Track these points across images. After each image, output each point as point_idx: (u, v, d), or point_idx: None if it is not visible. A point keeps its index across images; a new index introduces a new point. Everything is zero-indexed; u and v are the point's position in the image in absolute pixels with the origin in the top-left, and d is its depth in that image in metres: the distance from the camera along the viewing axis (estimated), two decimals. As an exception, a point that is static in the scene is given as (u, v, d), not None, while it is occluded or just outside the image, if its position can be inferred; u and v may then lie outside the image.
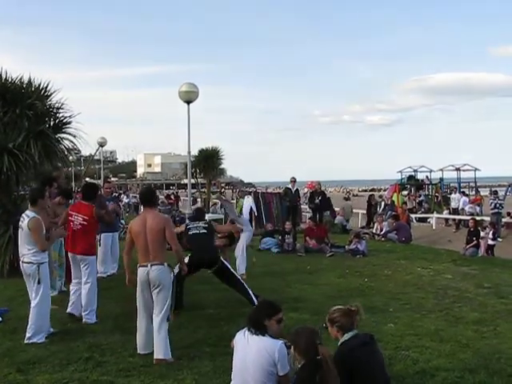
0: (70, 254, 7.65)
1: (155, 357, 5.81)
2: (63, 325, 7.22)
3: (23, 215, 6.71)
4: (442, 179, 31.08)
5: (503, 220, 20.99)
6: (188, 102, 14.58)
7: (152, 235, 5.91)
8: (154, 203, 6.33)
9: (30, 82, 11.10)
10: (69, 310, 7.51)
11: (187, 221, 9.91)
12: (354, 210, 26.23)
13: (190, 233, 8.48)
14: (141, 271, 5.94)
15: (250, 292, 8.17)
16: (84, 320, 7.33)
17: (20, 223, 6.68)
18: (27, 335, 6.48)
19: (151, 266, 5.88)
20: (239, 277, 8.66)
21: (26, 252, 6.59)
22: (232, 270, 8.60)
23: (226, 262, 8.49)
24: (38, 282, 6.54)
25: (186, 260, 7.35)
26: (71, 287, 7.66)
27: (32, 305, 6.59)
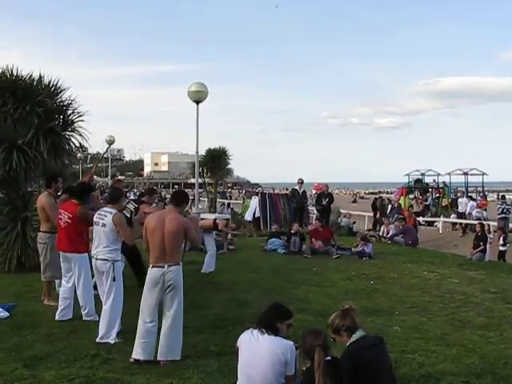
0: (60, 253, 7.51)
1: (162, 358, 5.74)
2: (69, 321, 7.24)
3: (103, 212, 6.66)
4: (444, 183, 30.95)
5: (510, 225, 20.88)
6: (197, 102, 14.57)
7: (170, 238, 5.76)
8: (180, 205, 6.15)
9: (40, 79, 11.15)
10: (58, 317, 7.28)
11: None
12: (360, 213, 26.28)
13: None
14: (155, 272, 5.79)
15: None
16: (84, 318, 7.26)
17: (99, 220, 6.61)
18: (101, 334, 6.37)
19: (168, 266, 5.75)
20: None
21: (102, 249, 6.55)
22: None
23: None
24: (114, 279, 6.49)
25: None
26: (60, 290, 7.53)
27: (106, 304, 6.51)
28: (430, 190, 30.78)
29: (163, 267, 5.75)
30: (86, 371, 5.41)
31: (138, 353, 5.75)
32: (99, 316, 6.82)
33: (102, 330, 6.40)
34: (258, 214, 20.37)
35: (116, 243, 6.65)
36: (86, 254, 7.45)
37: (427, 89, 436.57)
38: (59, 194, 8.59)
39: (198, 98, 14.54)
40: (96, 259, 6.60)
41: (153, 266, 5.83)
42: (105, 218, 6.59)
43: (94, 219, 6.71)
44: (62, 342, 6.39)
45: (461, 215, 24.63)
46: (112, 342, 6.30)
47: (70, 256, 7.32)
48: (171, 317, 5.81)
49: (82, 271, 7.30)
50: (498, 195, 45.83)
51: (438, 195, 29.09)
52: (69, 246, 7.32)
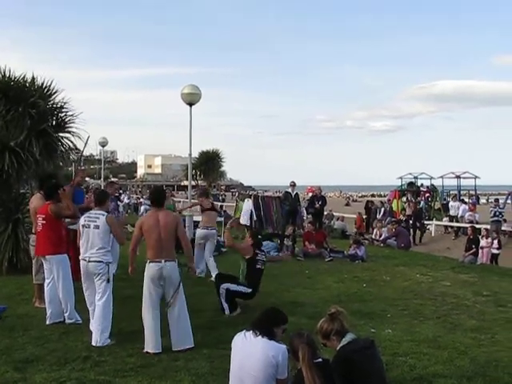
0: (41, 258, 7.47)
1: (177, 348, 6.12)
2: (61, 324, 7.19)
3: (93, 215, 6.67)
4: (434, 186, 31.00)
5: (503, 228, 20.96)
6: (190, 104, 14.56)
7: (166, 232, 6.15)
8: (163, 203, 6.52)
9: (32, 80, 11.12)
10: (48, 321, 7.23)
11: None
12: (353, 216, 26.30)
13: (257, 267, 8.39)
14: (153, 267, 6.12)
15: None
16: (67, 321, 7.20)
17: (89, 223, 6.59)
18: (95, 338, 6.36)
19: (165, 261, 6.11)
20: None
21: (95, 251, 6.53)
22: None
23: None
24: (108, 281, 6.55)
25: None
26: (45, 294, 7.41)
27: (99, 305, 6.50)
28: (422, 193, 30.84)
29: (160, 262, 6.12)
30: (78, 373, 5.40)
31: (147, 345, 6.10)
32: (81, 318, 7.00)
33: (96, 333, 6.40)
34: (255, 217, 20.28)
35: (108, 245, 6.70)
36: (66, 254, 7.40)
37: (422, 92, 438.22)
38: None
39: (191, 100, 14.53)
40: (88, 262, 6.55)
41: (150, 262, 6.16)
42: (97, 220, 6.59)
43: (83, 222, 6.67)
44: (53, 344, 6.37)
45: (452, 218, 24.73)
46: (106, 343, 6.33)
47: (49, 258, 7.25)
48: (176, 309, 6.21)
49: (61, 272, 7.19)
50: (488, 199, 46.04)
51: (427, 195, 29.17)
52: (47, 248, 7.25)
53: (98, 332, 6.37)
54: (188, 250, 6.63)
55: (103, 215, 6.62)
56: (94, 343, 6.34)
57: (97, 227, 6.56)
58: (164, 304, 6.33)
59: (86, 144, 10.76)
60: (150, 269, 6.14)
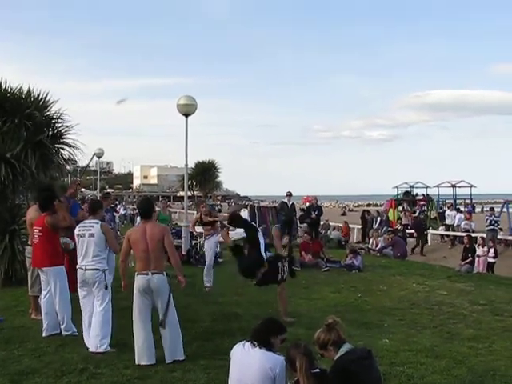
0: (37, 269, 7.50)
1: (168, 360, 6.05)
2: (57, 336, 7.16)
3: (87, 224, 6.77)
4: (429, 196, 31.10)
5: (499, 237, 21.01)
6: (186, 115, 14.61)
7: (153, 244, 6.08)
8: (151, 215, 6.47)
9: (29, 92, 11.12)
10: (44, 334, 7.20)
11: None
12: (349, 226, 26.30)
13: None
14: (141, 279, 6.09)
15: None
16: (63, 333, 7.18)
17: (84, 232, 6.68)
18: (95, 344, 6.40)
19: (152, 274, 6.05)
20: None
21: (92, 259, 6.62)
22: None
23: None
24: (105, 288, 6.63)
25: None
26: (42, 306, 7.40)
27: (99, 312, 6.55)
28: (417, 202, 30.95)
29: (147, 274, 6.07)
30: (74, 386, 5.37)
31: (140, 358, 6.05)
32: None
33: (95, 339, 6.42)
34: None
35: (104, 252, 6.79)
36: (63, 266, 7.41)
37: (417, 101, 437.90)
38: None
39: (187, 111, 14.58)
40: (85, 270, 6.62)
41: (138, 274, 6.13)
42: (92, 228, 6.69)
43: (78, 232, 6.75)
44: (50, 356, 6.34)
45: (448, 227, 24.76)
46: (108, 350, 6.37)
47: (46, 270, 7.25)
48: (167, 321, 6.10)
49: (58, 284, 7.19)
50: (482, 208, 46.33)
51: (423, 203, 29.26)
52: (44, 260, 7.26)
53: (98, 338, 6.42)
54: (176, 262, 6.38)
55: (97, 223, 6.74)
56: (93, 349, 6.38)
57: (92, 235, 6.65)
58: (157, 315, 6.28)
59: (90, 160, 10.82)
60: (138, 281, 6.14)
